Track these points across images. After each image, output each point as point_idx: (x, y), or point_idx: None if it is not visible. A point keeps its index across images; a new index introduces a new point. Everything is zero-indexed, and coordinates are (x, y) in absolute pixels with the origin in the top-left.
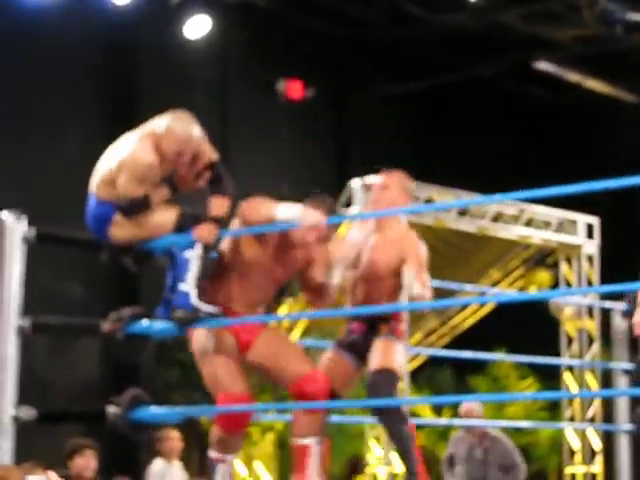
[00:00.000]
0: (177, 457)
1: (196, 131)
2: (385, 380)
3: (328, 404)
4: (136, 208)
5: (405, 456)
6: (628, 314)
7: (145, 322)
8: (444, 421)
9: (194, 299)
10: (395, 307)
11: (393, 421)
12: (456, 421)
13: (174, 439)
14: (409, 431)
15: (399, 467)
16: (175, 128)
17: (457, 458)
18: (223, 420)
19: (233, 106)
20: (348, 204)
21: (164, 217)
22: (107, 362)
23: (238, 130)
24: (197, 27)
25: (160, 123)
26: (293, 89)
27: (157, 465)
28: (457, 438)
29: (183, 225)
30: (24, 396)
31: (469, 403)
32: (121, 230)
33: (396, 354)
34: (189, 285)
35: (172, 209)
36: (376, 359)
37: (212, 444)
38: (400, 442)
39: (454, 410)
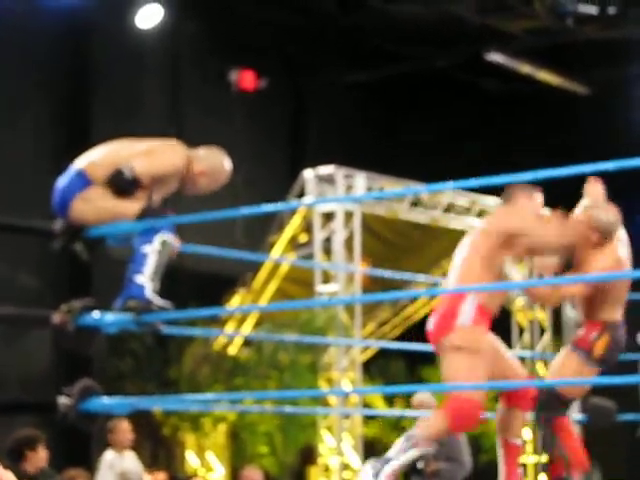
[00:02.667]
0: (128, 448)
1: (225, 172)
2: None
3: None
4: (128, 184)
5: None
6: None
7: (96, 314)
8: (396, 412)
9: (149, 292)
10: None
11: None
12: (408, 412)
13: (125, 431)
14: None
15: (350, 457)
16: (209, 158)
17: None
18: (459, 420)
19: (186, 96)
20: (301, 194)
21: (130, 207)
22: (59, 353)
23: (191, 120)
24: (149, 16)
25: (199, 150)
26: (246, 79)
27: (108, 456)
28: (410, 432)
29: (148, 217)
30: None
31: (421, 394)
32: (86, 206)
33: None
34: (145, 278)
35: (139, 202)
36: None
37: (430, 437)
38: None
39: (406, 401)
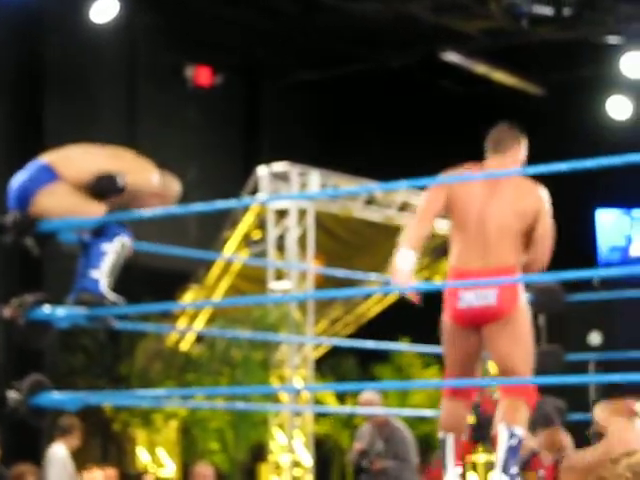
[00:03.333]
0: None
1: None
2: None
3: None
4: (116, 191)
5: None
6: (531, 305)
7: (48, 308)
8: (347, 409)
9: (103, 287)
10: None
11: None
12: (360, 409)
13: (76, 428)
14: None
15: (301, 455)
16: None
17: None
18: (534, 403)
19: (141, 91)
20: (254, 191)
21: (96, 208)
22: (10, 347)
23: (146, 115)
24: (104, 10)
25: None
26: (202, 75)
27: (60, 452)
28: (361, 430)
29: (107, 226)
30: None
31: (368, 393)
32: (51, 199)
33: None
34: (101, 273)
35: (103, 205)
36: None
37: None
38: None
39: (358, 398)
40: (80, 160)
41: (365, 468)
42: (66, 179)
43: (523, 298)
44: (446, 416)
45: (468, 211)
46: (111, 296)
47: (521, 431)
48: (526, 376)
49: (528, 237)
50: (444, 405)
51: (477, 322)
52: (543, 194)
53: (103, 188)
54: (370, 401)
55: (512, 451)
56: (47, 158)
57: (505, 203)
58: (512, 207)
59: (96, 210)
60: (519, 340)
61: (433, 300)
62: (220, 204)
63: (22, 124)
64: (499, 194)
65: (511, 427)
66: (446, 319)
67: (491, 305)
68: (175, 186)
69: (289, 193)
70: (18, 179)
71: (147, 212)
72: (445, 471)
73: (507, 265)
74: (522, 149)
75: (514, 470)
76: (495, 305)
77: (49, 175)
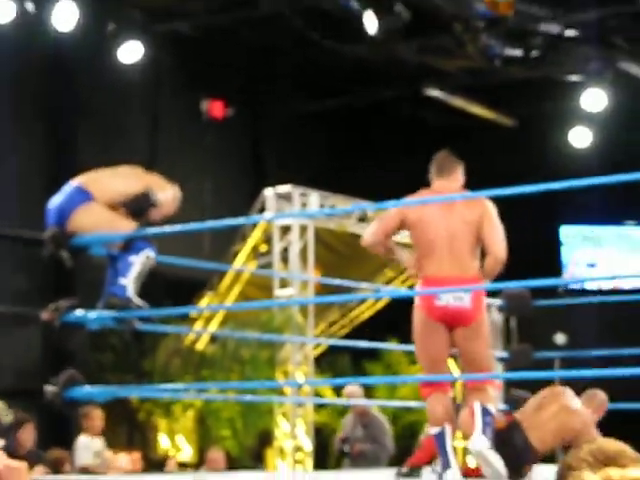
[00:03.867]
0: (99, 434)
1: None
2: None
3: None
4: (149, 207)
5: None
6: (503, 309)
7: (80, 312)
8: (343, 401)
9: (130, 292)
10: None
11: None
12: (352, 401)
13: (97, 418)
14: None
15: (303, 440)
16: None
17: (345, 436)
18: None
19: (163, 123)
20: (262, 210)
21: (127, 224)
22: (47, 347)
23: (167, 144)
24: (130, 52)
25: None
26: (215, 108)
27: (82, 439)
28: (346, 418)
29: (134, 241)
30: None
31: (350, 386)
32: (87, 217)
33: None
34: (128, 281)
35: (133, 222)
36: None
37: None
38: None
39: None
40: (109, 181)
41: (346, 452)
42: (98, 198)
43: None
44: (442, 409)
45: (433, 229)
46: (136, 300)
47: (493, 409)
48: (493, 371)
49: (482, 244)
50: (437, 400)
51: (450, 321)
52: (487, 203)
53: (140, 205)
54: (352, 393)
55: (487, 424)
56: (80, 180)
57: (460, 218)
58: (465, 220)
59: (127, 226)
60: (487, 342)
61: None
62: (231, 221)
63: (57, 151)
64: (454, 211)
65: (484, 405)
66: (422, 316)
67: (466, 307)
68: (177, 195)
69: (292, 212)
70: (55, 200)
71: (168, 228)
72: (447, 461)
73: (476, 274)
74: (461, 172)
75: (489, 437)
76: (469, 308)
77: (83, 195)
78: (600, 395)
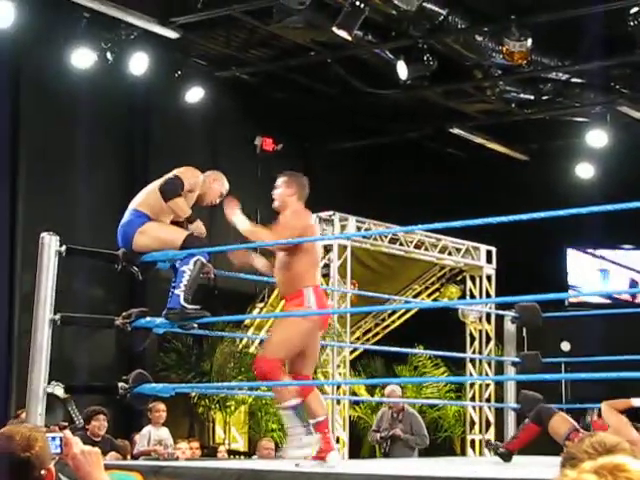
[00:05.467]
0: (162, 424)
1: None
2: None
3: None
4: (176, 186)
5: None
6: (516, 320)
7: (148, 319)
8: (376, 398)
9: (183, 300)
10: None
11: None
12: (384, 399)
13: (160, 410)
14: None
15: (340, 432)
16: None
17: (381, 428)
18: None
19: (222, 156)
20: None
21: (179, 235)
22: (120, 348)
23: (225, 173)
24: (195, 94)
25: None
26: (267, 144)
27: (144, 430)
28: (381, 414)
29: (189, 243)
30: (54, 374)
31: (391, 386)
32: (145, 237)
33: None
34: (181, 290)
35: (183, 230)
36: None
37: None
38: None
39: (383, 391)
40: (155, 196)
41: (382, 442)
42: (151, 215)
43: None
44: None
45: (313, 245)
46: (191, 307)
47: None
48: None
49: None
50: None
51: (325, 325)
52: None
53: (170, 187)
54: (393, 391)
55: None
56: (135, 203)
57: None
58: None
59: (179, 236)
60: None
61: (442, 316)
62: (281, 241)
63: (131, 181)
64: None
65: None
66: (311, 324)
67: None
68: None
69: (333, 234)
70: (120, 225)
71: (224, 247)
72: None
73: None
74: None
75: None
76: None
77: (140, 218)
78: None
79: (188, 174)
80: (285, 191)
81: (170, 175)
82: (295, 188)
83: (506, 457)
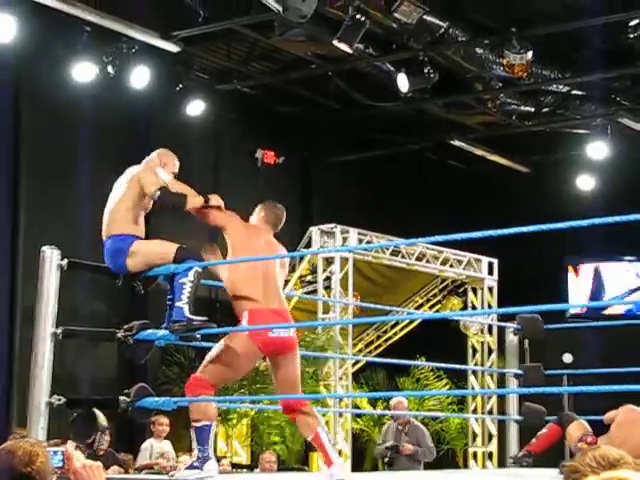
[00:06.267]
0: (164, 437)
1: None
2: None
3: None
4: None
5: None
6: (518, 331)
7: (150, 331)
8: (378, 411)
9: (187, 312)
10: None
11: None
12: (387, 411)
13: (163, 424)
14: None
15: (343, 446)
16: None
17: (387, 440)
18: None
19: (223, 169)
20: (308, 244)
21: (169, 247)
22: (122, 362)
23: (226, 186)
24: (196, 108)
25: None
26: (268, 156)
27: (146, 443)
28: (387, 427)
29: (181, 256)
30: (56, 387)
31: (397, 398)
32: (136, 259)
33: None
34: (184, 302)
35: (171, 243)
36: None
37: None
38: None
39: (386, 403)
40: (114, 212)
41: (390, 459)
42: (131, 233)
43: None
44: (213, 407)
45: (256, 264)
46: (196, 318)
47: None
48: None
49: None
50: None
51: (279, 350)
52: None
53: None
54: (400, 403)
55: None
56: (109, 232)
57: (273, 255)
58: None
59: (170, 248)
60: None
61: (444, 328)
62: (283, 254)
63: None
64: (269, 250)
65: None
66: (251, 344)
67: (292, 336)
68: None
69: (334, 246)
70: (106, 258)
71: (225, 260)
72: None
73: (286, 306)
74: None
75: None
76: (293, 337)
77: (123, 242)
78: None
79: (169, 161)
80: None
81: (156, 185)
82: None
83: (526, 459)
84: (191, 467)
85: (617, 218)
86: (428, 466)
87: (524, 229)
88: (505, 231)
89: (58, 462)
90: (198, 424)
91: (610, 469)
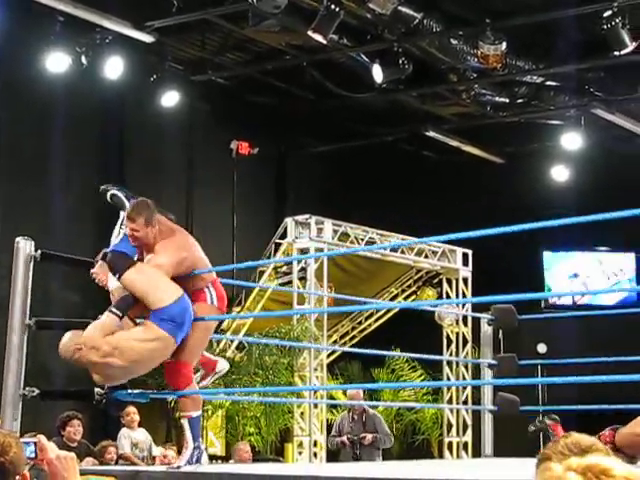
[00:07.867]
0: (137, 426)
1: None
2: None
3: None
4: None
5: None
6: (492, 322)
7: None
8: (353, 402)
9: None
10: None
11: None
12: (355, 402)
13: (131, 413)
14: None
15: (318, 436)
16: None
17: (342, 430)
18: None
19: (198, 160)
20: (283, 235)
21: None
22: None
23: (201, 178)
24: (171, 99)
25: None
26: (242, 148)
27: (122, 431)
28: (341, 418)
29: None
30: (30, 379)
31: (352, 390)
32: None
33: None
34: None
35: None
36: None
37: None
38: None
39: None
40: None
41: (342, 446)
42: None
43: None
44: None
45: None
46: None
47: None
48: None
49: None
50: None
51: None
52: None
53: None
54: (354, 395)
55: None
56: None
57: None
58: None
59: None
60: None
61: (419, 318)
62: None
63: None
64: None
65: None
66: (215, 310)
67: None
68: None
69: (309, 237)
70: None
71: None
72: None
73: None
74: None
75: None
76: None
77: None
78: None
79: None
80: (143, 231)
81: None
82: (145, 217)
83: None
84: (191, 460)
85: (590, 217)
86: (403, 456)
87: (500, 230)
88: (483, 232)
89: (31, 453)
90: (194, 414)
91: (582, 455)
